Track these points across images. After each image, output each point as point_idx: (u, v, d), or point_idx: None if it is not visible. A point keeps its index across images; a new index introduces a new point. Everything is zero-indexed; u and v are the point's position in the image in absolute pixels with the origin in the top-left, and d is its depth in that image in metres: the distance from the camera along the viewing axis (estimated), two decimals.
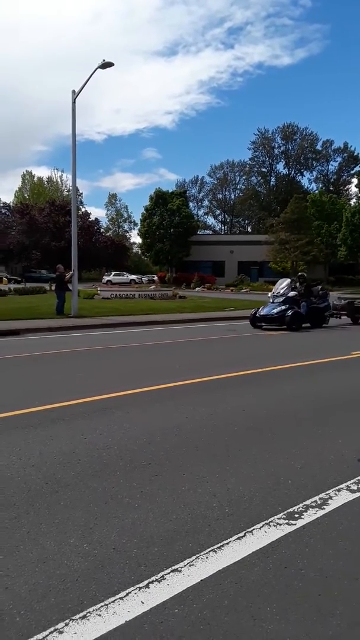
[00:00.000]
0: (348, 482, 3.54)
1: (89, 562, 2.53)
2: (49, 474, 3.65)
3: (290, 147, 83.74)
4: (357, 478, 3.62)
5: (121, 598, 2.24)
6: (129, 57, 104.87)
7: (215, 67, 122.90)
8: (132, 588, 2.32)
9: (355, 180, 64.52)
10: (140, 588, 2.32)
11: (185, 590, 2.30)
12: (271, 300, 15.30)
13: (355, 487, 3.46)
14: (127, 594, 2.27)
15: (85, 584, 2.35)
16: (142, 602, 2.21)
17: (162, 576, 2.41)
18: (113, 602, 2.22)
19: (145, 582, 2.37)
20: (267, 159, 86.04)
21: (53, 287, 18.37)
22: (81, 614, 2.14)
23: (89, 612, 2.15)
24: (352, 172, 76.73)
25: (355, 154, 77.94)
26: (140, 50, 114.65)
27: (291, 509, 3.13)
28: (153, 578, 2.40)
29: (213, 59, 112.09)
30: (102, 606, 2.19)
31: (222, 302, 26.62)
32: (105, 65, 17.27)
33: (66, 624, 2.07)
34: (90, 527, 2.88)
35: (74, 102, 18.02)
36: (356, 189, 61.69)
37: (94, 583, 2.36)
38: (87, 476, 3.62)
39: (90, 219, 64.95)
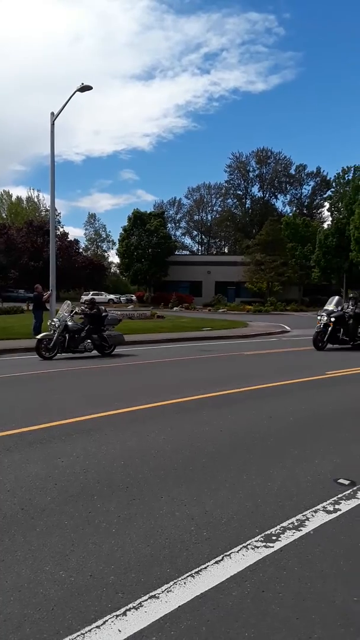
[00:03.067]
0: (324, 503, 3.58)
1: (65, 590, 2.49)
2: (25, 499, 3.58)
3: (264, 171, 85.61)
4: (333, 499, 3.66)
5: (98, 627, 2.21)
6: (108, 80, 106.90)
7: (192, 91, 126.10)
8: (108, 616, 2.28)
9: (327, 204, 66.20)
10: (117, 616, 2.29)
11: (163, 617, 2.28)
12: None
13: (331, 508, 3.50)
14: (104, 622, 2.24)
15: (61, 612, 2.31)
16: (119, 630, 2.18)
17: (140, 603, 2.38)
18: (89, 630, 2.18)
19: (123, 609, 2.34)
20: (242, 182, 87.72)
21: (30, 307, 18.24)
22: None
23: None
24: (325, 195, 78.72)
25: (328, 178, 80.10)
26: (119, 74, 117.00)
27: (269, 531, 3.14)
28: (130, 605, 2.37)
29: (190, 84, 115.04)
30: (78, 635, 2.15)
31: (200, 322, 26.73)
32: (84, 88, 17.53)
33: None
34: (67, 554, 2.83)
35: (52, 124, 18.18)
36: (328, 212, 63.27)
37: (70, 611, 2.32)
38: (64, 501, 3.56)
39: (68, 239, 64.95)
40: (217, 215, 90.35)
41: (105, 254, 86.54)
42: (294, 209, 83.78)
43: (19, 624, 2.22)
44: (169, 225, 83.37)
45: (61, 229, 67.45)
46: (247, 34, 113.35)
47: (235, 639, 2.15)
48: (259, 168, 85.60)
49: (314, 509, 3.48)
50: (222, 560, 2.78)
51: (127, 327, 21.74)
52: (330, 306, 14.87)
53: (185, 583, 2.55)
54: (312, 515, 3.38)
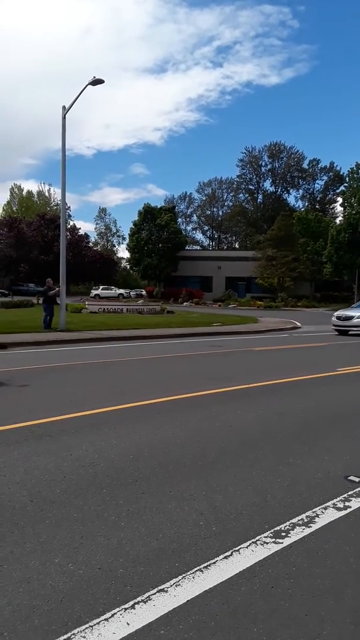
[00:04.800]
0: (334, 500, 3.55)
1: (74, 582, 2.49)
2: (34, 492, 3.60)
3: (277, 166, 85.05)
4: (343, 496, 3.63)
5: (106, 619, 2.21)
6: (119, 74, 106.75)
7: (204, 85, 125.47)
8: (117, 609, 2.28)
9: (340, 199, 65.52)
10: (125, 609, 2.29)
11: (172, 611, 2.28)
12: None
13: (341, 505, 3.47)
14: (112, 615, 2.24)
15: (70, 604, 2.32)
16: (128, 624, 2.18)
17: (148, 597, 2.38)
18: (98, 623, 2.18)
19: (131, 602, 2.34)
20: (254, 176, 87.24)
21: (40, 301, 18.37)
22: (65, 636, 2.10)
23: (73, 634, 2.11)
24: (338, 191, 77.89)
25: (341, 173, 79.21)
26: (131, 67, 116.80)
27: (278, 528, 3.12)
28: (139, 598, 2.37)
29: (202, 77, 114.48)
30: (86, 628, 2.15)
31: (210, 318, 26.69)
32: (96, 82, 17.47)
33: None
34: (76, 547, 2.84)
35: (64, 118, 18.16)
36: (341, 208, 62.63)
37: (78, 604, 2.32)
38: (73, 494, 3.57)
39: (79, 233, 65.14)
40: (229, 210, 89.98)
41: (115, 248, 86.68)
42: (306, 204, 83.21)
43: (28, 615, 2.23)
44: (180, 220, 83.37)
45: (71, 223, 67.66)
46: (261, 27, 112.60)
47: (243, 634, 2.14)
48: (271, 162, 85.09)
49: (323, 505, 3.46)
50: (231, 555, 2.77)
51: (136, 322, 21.78)
52: None
53: (194, 577, 2.55)
54: (322, 512, 3.36)
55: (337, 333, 19.91)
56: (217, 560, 2.71)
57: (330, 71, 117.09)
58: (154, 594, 2.41)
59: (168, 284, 60.88)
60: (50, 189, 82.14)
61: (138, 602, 2.34)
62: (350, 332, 19.53)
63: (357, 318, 19.26)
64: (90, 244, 71.06)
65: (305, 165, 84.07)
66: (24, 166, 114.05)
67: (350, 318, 19.53)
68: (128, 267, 73.80)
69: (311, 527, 3.14)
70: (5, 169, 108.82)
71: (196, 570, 2.61)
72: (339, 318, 20.02)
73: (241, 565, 2.67)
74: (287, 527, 3.13)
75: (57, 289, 18.07)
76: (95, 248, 73.88)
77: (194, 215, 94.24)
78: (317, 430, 5.41)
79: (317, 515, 3.30)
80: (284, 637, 2.13)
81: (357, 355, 13.17)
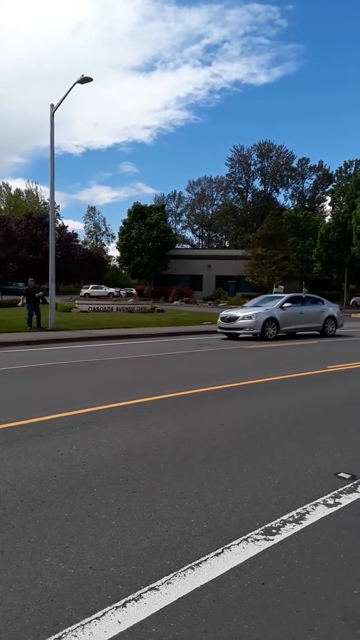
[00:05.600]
0: (325, 497, 3.57)
1: (65, 582, 2.48)
2: (24, 491, 3.58)
3: (266, 165, 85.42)
4: (333, 492, 3.65)
5: (97, 618, 2.20)
6: (108, 72, 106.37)
7: (193, 83, 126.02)
8: (108, 607, 2.28)
9: (329, 198, 65.98)
10: (117, 607, 2.28)
11: (163, 609, 2.28)
12: None
13: (332, 502, 3.49)
14: (104, 614, 2.23)
15: (61, 604, 2.31)
16: (119, 622, 2.17)
17: (139, 595, 2.38)
18: (89, 622, 2.17)
19: (122, 601, 2.33)
20: (243, 175, 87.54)
21: (25, 301, 18.32)
22: (56, 635, 2.09)
23: (64, 633, 2.10)
24: (327, 190, 78.45)
25: (330, 172, 79.74)
26: (119, 65, 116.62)
27: (269, 525, 3.13)
28: (130, 597, 2.36)
29: (191, 76, 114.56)
30: (78, 627, 2.14)
31: (200, 316, 26.72)
32: (84, 80, 17.40)
33: None
34: (66, 546, 2.83)
35: (52, 116, 18.07)
36: (330, 207, 63.07)
37: (69, 603, 2.31)
38: (63, 493, 3.56)
39: (68, 232, 64.83)
40: (218, 209, 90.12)
41: (105, 247, 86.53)
42: (296, 202, 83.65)
43: (19, 615, 2.22)
44: (170, 218, 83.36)
45: (60, 222, 67.33)
46: (249, 26, 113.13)
47: (235, 631, 2.15)
48: (261, 161, 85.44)
49: (314, 502, 3.48)
50: (222, 552, 2.78)
51: (126, 321, 21.74)
52: None
53: (185, 575, 2.55)
54: (313, 508, 3.38)
55: (225, 337, 16.68)
56: (208, 558, 2.71)
57: (318, 70, 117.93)
58: (145, 592, 2.40)
59: (158, 283, 60.83)
60: (37, 187, 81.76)
61: (129, 601, 2.33)
62: (240, 336, 16.32)
63: (242, 319, 15.98)
64: (80, 243, 70.82)
65: (294, 164, 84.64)
66: (12, 165, 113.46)
67: (234, 319, 16.18)
68: (118, 265, 73.70)
69: (302, 523, 3.16)
70: None
71: (187, 568, 2.61)
72: (223, 319, 16.68)
73: (232, 563, 2.67)
74: (278, 524, 3.14)
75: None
76: (84, 247, 73.60)
77: (184, 214, 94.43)
78: (307, 428, 5.43)
79: (308, 512, 3.32)
80: (275, 633, 2.14)
81: (348, 353, 13.26)
